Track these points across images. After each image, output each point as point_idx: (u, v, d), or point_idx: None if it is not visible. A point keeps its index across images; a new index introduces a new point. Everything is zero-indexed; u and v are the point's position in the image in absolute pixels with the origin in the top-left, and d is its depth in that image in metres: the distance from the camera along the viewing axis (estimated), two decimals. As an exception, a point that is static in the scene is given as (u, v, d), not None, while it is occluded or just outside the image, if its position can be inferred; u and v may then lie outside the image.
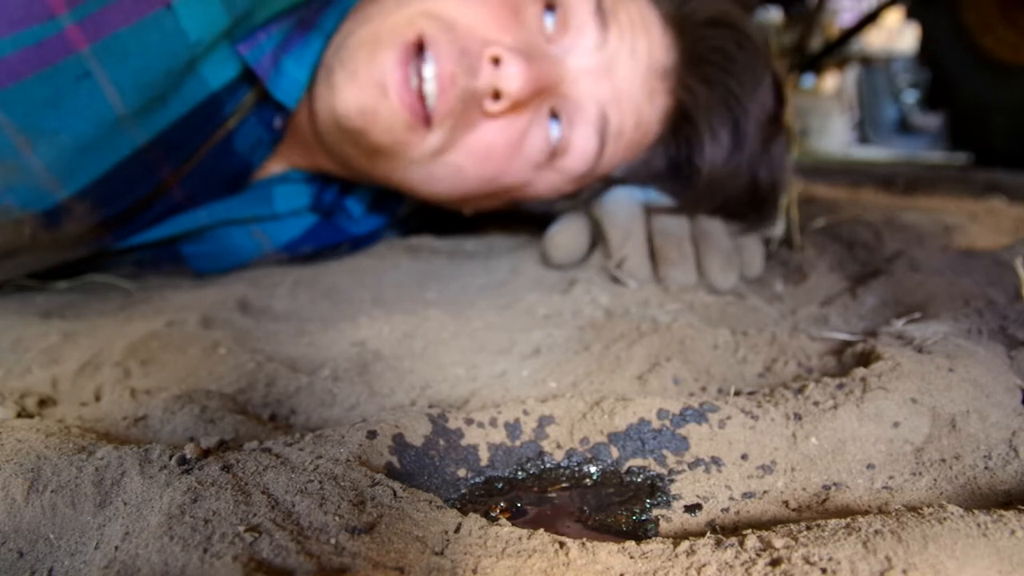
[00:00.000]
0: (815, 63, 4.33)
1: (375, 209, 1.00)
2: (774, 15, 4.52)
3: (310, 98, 0.81)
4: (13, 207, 0.72)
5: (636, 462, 0.46)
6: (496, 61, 0.75)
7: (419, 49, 0.75)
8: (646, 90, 0.84)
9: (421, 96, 0.75)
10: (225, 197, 0.89)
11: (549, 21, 0.79)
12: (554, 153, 0.84)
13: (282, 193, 0.92)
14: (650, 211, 0.87)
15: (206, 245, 0.93)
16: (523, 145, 0.83)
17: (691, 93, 0.85)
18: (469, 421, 0.47)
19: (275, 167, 0.91)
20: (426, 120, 0.76)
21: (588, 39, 0.80)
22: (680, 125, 0.87)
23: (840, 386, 0.48)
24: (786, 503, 0.42)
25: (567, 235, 0.87)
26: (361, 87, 0.75)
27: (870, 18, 3.76)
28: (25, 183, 0.70)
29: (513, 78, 0.75)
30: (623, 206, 0.86)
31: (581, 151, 0.84)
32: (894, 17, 4.19)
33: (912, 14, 2.92)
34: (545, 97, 0.81)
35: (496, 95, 0.76)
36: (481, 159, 0.82)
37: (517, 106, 0.79)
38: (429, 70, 0.75)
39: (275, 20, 0.77)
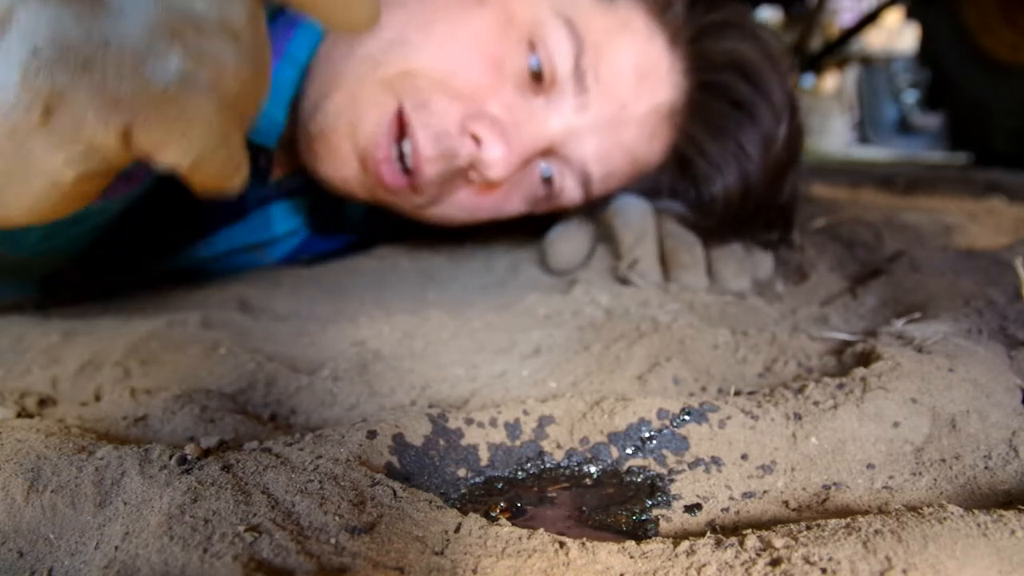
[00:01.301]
0: (815, 63, 4.33)
1: (375, 213, 0.99)
2: (774, 15, 4.52)
3: (293, 123, 0.78)
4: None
5: (636, 462, 0.46)
6: (477, 140, 0.73)
7: (400, 121, 0.72)
8: (645, 133, 0.81)
9: (404, 168, 0.74)
10: (221, 228, 0.87)
11: (535, 62, 0.75)
12: (548, 195, 0.84)
13: (279, 213, 0.90)
14: (661, 213, 0.86)
15: (207, 267, 0.92)
16: (512, 196, 0.82)
17: (698, 145, 0.82)
18: (469, 421, 0.47)
19: (275, 174, 0.90)
20: (410, 186, 0.75)
21: (567, 102, 0.76)
22: (686, 165, 0.85)
23: (840, 386, 0.48)
24: (786, 503, 0.42)
25: (567, 242, 0.86)
26: (343, 162, 0.74)
27: (870, 18, 3.76)
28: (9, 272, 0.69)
29: (493, 165, 0.73)
30: (635, 207, 0.86)
31: (571, 196, 0.84)
32: (894, 17, 4.19)
33: (912, 14, 2.92)
34: (531, 162, 0.80)
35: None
36: (469, 211, 0.83)
37: (498, 184, 0.78)
38: (407, 146, 0.73)
39: None
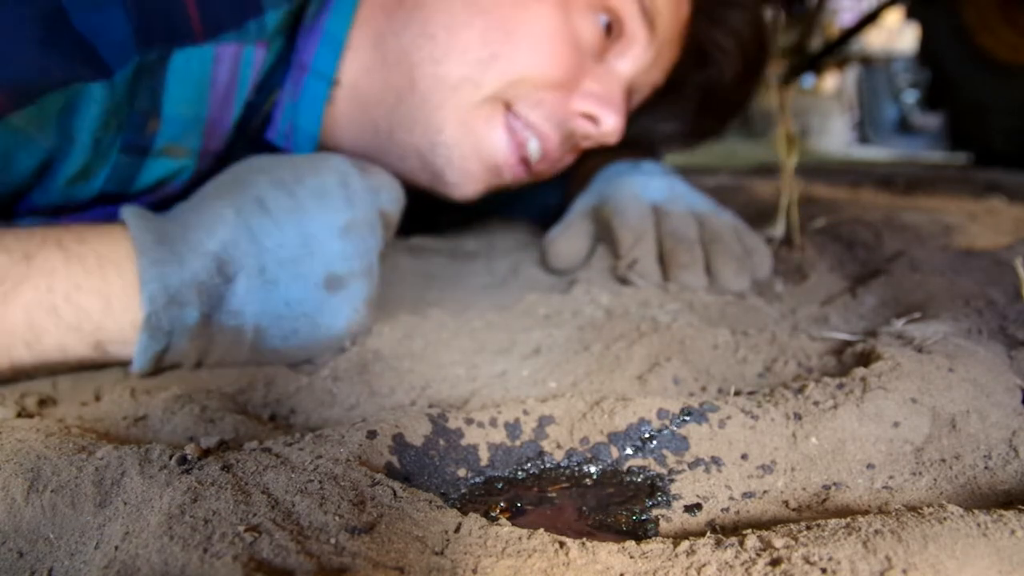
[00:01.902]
0: (815, 63, 4.33)
1: None
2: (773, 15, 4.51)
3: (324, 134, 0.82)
4: None
5: (636, 462, 0.46)
6: (592, 119, 0.81)
7: (513, 123, 0.79)
8: (677, 45, 0.91)
9: (526, 159, 0.82)
10: None
11: (603, 21, 0.81)
12: None
13: None
14: (659, 212, 0.87)
15: None
16: None
17: (709, 36, 0.94)
18: (469, 421, 0.47)
19: None
20: (531, 171, 0.84)
21: (639, 44, 0.84)
22: (698, 57, 0.95)
23: (840, 386, 0.48)
24: (786, 503, 0.42)
25: (567, 242, 0.88)
26: (476, 180, 0.81)
27: (870, 18, 3.76)
28: None
29: (613, 134, 0.83)
30: (633, 206, 0.87)
31: (633, 109, 0.92)
32: (894, 17, 4.19)
33: (912, 14, 2.92)
34: None
35: (587, 136, 0.84)
36: (560, 168, 0.90)
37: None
38: (533, 145, 0.81)
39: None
